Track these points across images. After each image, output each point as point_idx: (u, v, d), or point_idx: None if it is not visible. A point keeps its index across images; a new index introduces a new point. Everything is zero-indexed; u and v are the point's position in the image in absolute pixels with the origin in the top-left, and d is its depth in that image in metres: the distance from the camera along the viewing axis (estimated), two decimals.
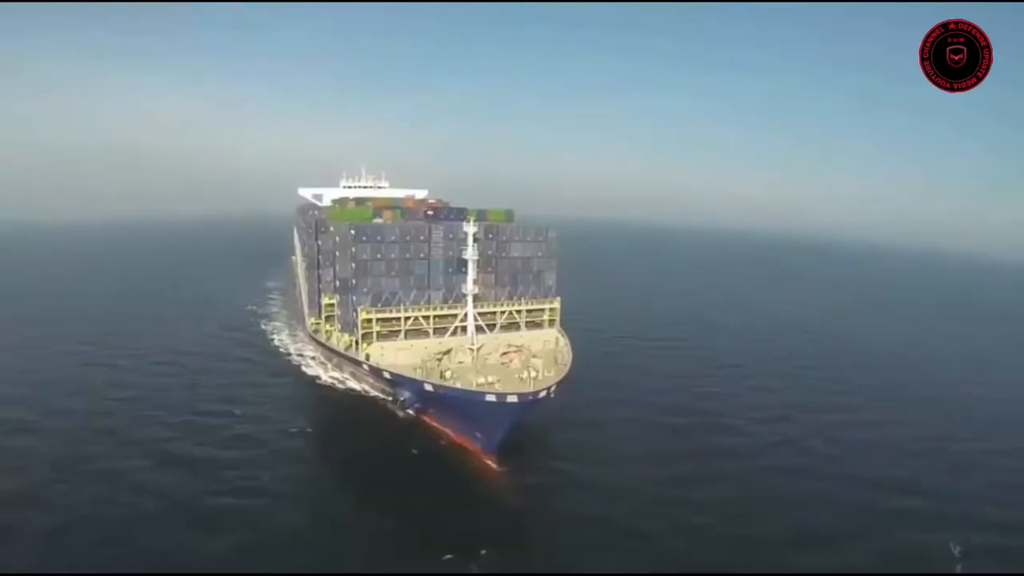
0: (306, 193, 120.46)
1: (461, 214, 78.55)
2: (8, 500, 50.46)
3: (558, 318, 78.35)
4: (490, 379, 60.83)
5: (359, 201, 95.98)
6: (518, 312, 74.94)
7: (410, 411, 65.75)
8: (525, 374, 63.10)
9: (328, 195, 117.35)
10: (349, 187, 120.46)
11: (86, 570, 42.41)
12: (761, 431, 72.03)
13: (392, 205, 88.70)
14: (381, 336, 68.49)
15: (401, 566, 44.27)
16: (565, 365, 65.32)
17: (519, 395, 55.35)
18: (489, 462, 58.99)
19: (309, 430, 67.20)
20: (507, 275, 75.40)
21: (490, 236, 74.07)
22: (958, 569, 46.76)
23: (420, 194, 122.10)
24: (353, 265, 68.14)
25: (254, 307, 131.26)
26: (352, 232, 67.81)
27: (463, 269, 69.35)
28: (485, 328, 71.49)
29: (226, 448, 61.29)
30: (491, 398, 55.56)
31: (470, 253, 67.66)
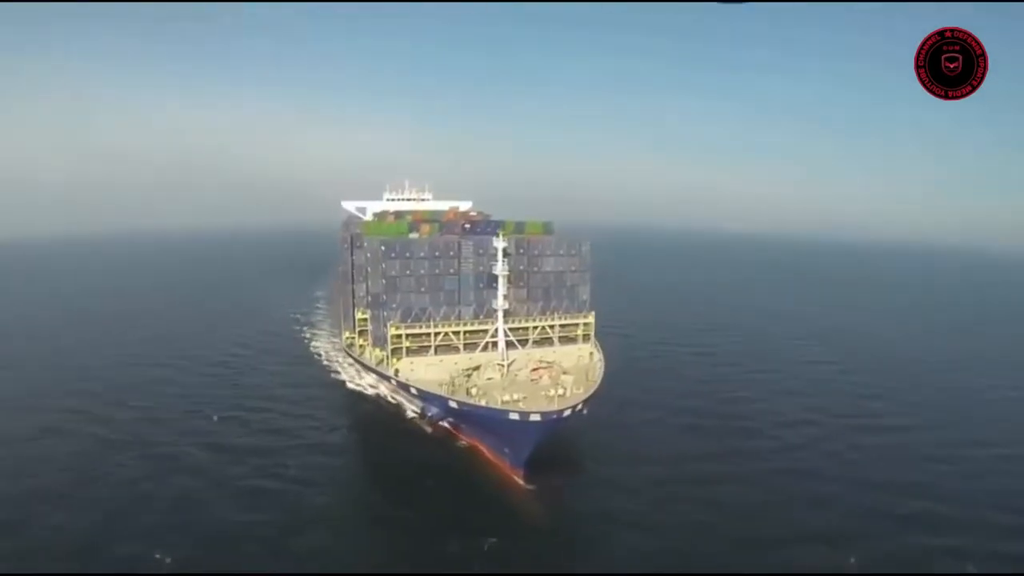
0: (349, 206, 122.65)
1: (496, 227, 77.20)
2: (78, 477, 57.91)
3: (592, 332, 76.35)
4: (516, 396, 59.72)
5: (398, 215, 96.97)
6: (551, 327, 73.49)
7: (442, 424, 65.90)
8: (553, 391, 61.65)
9: (371, 208, 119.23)
10: (392, 199, 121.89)
11: (127, 553, 45.96)
12: (787, 435, 71.40)
13: (432, 218, 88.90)
14: (411, 351, 68.61)
15: (407, 554, 46.86)
16: (595, 382, 63.40)
17: (543, 413, 54.04)
18: (516, 478, 58.08)
19: (341, 431, 72.14)
20: (539, 290, 74.23)
21: (521, 251, 73.03)
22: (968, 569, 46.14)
23: (464, 206, 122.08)
24: (383, 281, 68.61)
25: (299, 315, 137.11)
26: (382, 248, 68.32)
27: (494, 284, 68.59)
28: (516, 344, 70.45)
29: (263, 440, 67.32)
30: (515, 416, 54.58)
31: (500, 268, 66.80)
